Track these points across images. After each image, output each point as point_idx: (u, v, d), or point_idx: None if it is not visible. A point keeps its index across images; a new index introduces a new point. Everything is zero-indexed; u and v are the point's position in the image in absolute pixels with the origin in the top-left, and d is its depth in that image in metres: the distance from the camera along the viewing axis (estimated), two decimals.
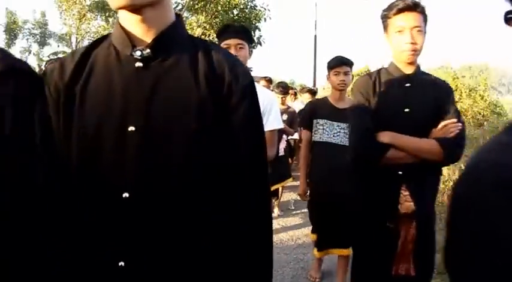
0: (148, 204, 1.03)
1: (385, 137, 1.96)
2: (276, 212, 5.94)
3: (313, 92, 7.56)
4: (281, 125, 2.66)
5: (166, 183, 1.04)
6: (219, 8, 16.82)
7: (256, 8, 18.17)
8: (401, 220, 2.02)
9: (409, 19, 1.96)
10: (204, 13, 17.19)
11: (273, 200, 5.98)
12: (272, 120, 2.55)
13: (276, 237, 4.96)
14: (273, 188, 5.81)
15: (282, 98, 5.96)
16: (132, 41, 1.06)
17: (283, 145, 5.99)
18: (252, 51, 2.74)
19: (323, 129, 3.40)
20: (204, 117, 1.04)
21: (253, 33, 18.58)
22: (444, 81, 2.21)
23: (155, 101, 1.04)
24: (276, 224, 5.48)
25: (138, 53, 1.04)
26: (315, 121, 3.47)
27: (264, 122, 2.37)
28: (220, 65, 1.09)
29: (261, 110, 2.36)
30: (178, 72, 1.07)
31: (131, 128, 1.02)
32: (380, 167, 2.00)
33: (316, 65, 25.42)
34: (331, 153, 3.35)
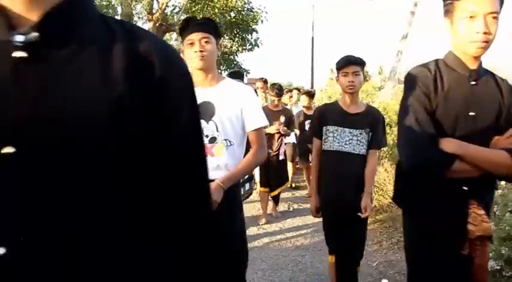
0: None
1: (450, 146, 1.63)
2: (274, 214, 5.92)
3: (311, 95, 7.55)
4: (266, 123, 2.40)
5: (67, 226, 0.71)
6: (216, 10, 16.82)
7: (253, 10, 18.19)
8: (473, 244, 1.71)
9: (484, 2, 1.59)
10: (201, 15, 17.19)
11: (273, 204, 5.99)
12: (254, 118, 2.31)
13: (274, 239, 4.95)
14: (274, 193, 5.77)
15: (277, 100, 5.96)
16: (9, 19, 0.69)
17: (283, 149, 5.98)
18: (220, 45, 2.46)
19: (333, 136, 3.00)
20: (121, 129, 0.73)
21: (250, 36, 18.62)
22: (506, 80, 1.84)
23: (45, 108, 0.69)
24: (274, 226, 5.48)
25: (20, 37, 0.68)
26: (324, 128, 3.06)
27: (247, 122, 2.31)
28: (146, 57, 0.77)
29: (239, 108, 2.29)
30: (81, 65, 0.73)
31: (8, 150, 0.67)
32: (442, 182, 1.67)
33: (314, 67, 25.55)
34: (342, 163, 2.97)
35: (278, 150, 5.83)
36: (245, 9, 18.06)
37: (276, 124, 5.71)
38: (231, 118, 2.26)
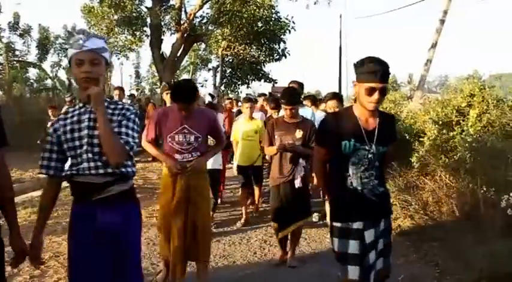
0: None
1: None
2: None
3: (339, 98, 7.39)
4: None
5: None
6: (244, 21, 16.96)
7: (281, 20, 18.25)
8: None
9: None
10: (229, 26, 17.38)
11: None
12: None
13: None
14: (284, 232, 4.57)
15: (275, 113, 5.90)
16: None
17: (300, 172, 4.42)
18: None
19: None
20: None
21: (278, 46, 18.66)
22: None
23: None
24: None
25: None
26: None
27: None
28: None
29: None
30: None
31: None
32: None
33: (342, 75, 25.41)
34: None
35: (291, 174, 4.42)
36: (273, 19, 18.15)
37: (286, 140, 4.35)
38: None
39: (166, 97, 5.44)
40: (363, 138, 2.63)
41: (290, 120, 4.45)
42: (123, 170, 2.28)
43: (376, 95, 2.52)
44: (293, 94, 4.54)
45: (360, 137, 2.63)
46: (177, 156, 3.72)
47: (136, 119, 2.34)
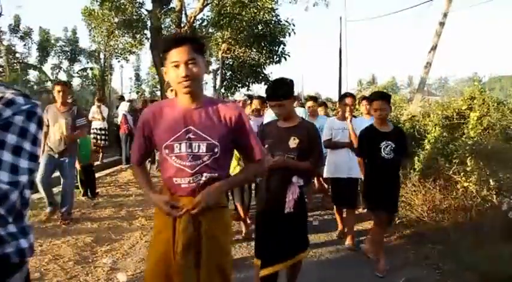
0: None
1: None
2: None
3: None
4: None
5: None
6: (244, 23, 16.97)
7: (281, 23, 18.26)
8: None
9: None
10: (229, 29, 17.38)
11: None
12: None
13: None
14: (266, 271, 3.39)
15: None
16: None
17: (293, 194, 3.29)
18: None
19: None
20: None
21: (278, 48, 18.68)
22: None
23: None
24: None
25: None
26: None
27: None
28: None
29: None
30: None
31: None
32: None
33: (342, 78, 25.40)
34: None
35: (281, 196, 3.36)
36: (273, 22, 18.16)
37: (278, 151, 3.30)
38: None
39: (171, 94, 4.91)
40: None
41: (283, 123, 3.34)
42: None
43: None
44: (280, 85, 3.29)
45: None
46: (177, 181, 2.21)
47: (32, 127, 1.25)
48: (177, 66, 2.11)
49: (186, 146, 2.17)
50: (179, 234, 2.16)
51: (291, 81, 3.34)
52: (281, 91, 3.22)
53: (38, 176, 5.53)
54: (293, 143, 3.25)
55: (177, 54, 2.10)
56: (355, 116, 5.68)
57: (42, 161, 5.65)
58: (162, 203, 2.16)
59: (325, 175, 5.60)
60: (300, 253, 3.39)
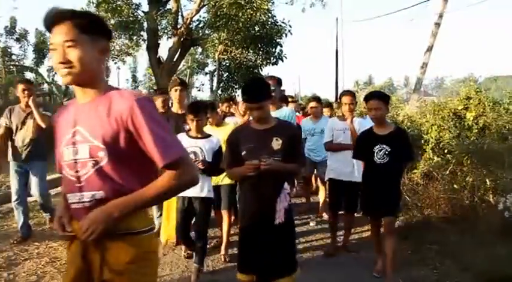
0: None
1: None
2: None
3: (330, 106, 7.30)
4: None
5: None
6: (241, 24, 16.97)
7: (278, 24, 18.27)
8: None
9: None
10: (225, 30, 17.38)
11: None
12: None
13: None
14: None
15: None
16: None
17: (283, 202, 3.04)
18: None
19: None
20: None
21: (274, 49, 18.69)
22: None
23: None
24: None
25: None
26: None
27: None
28: None
29: None
30: None
31: None
32: None
33: (338, 79, 25.46)
34: None
35: (271, 207, 3.05)
36: (269, 23, 18.16)
37: (260, 155, 2.95)
38: None
39: (175, 94, 4.85)
40: None
41: (260, 126, 3.07)
42: None
43: None
44: (258, 86, 3.05)
45: None
46: (69, 198, 1.76)
47: None
48: (54, 49, 1.66)
49: (73, 152, 1.72)
50: (68, 268, 1.79)
51: (267, 82, 3.21)
52: (261, 93, 2.98)
53: (14, 200, 5.07)
54: (276, 144, 2.97)
55: (53, 36, 1.67)
56: (362, 116, 5.60)
57: (13, 178, 5.13)
58: (55, 217, 1.78)
59: (326, 177, 5.27)
60: (290, 273, 3.00)
